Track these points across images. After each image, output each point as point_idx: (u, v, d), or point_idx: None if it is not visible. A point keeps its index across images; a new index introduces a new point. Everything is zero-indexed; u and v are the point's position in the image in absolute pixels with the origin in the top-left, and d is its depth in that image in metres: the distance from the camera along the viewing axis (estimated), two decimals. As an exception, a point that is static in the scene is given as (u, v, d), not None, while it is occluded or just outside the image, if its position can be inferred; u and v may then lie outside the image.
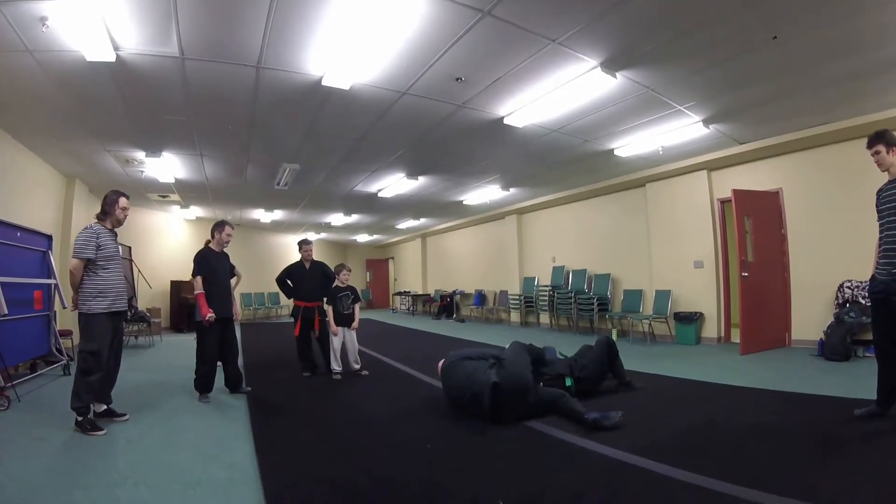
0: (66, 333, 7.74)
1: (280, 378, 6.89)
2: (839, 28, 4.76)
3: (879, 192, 4.18)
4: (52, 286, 7.23)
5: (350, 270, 7.24)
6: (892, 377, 4.02)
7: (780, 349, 8.05)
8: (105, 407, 4.74)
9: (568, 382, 5.23)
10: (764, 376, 6.06)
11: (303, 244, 7.33)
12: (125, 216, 4.86)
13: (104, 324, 4.55)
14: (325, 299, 7.10)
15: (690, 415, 4.61)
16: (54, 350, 7.14)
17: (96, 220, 4.75)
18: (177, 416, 4.93)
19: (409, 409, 5.13)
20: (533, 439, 4.04)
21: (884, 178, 4.17)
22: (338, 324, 6.86)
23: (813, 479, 2.97)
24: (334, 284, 7.11)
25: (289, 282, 7.30)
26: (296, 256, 7.49)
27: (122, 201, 4.81)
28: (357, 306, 7.10)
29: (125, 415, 4.77)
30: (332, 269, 7.30)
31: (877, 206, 4.21)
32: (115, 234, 4.87)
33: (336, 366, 6.83)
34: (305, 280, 7.22)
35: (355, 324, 7.02)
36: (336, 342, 6.85)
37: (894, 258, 3.94)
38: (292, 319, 7.27)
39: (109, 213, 4.76)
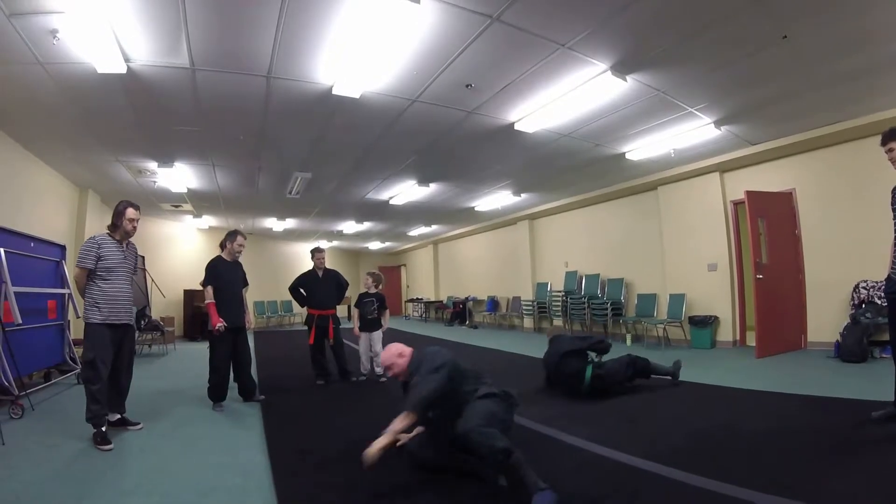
0: (79, 342, 7.72)
1: (294, 386, 6.88)
2: (850, 24, 4.72)
3: (894, 191, 4.13)
4: (66, 296, 7.28)
5: (371, 277, 7.41)
6: (910, 378, 3.97)
7: (796, 352, 7.97)
8: (119, 416, 4.70)
9: (588, 372, 5.40)
10: (780, 379, 6.00)
11: (315, 252, 7.35)
12: (133, 227, 4.76)
13: (102, 334, 4.46)
14: (353, 303, 7.27)
15: (706, 419, 4.57)
16: (68, 359, 7.19)
17: (107, 232, 4.71)
18: (190, 425, 4.94)
19: (422, 416, 5.11)
20: (547, 445, 4.03)
21: (899, 177, 4.12)
22: (361, 328, 7.15)
23: (831, 484, 2.93)
24: (363, 290, 7.33)
25: (302, 290, 7.31)
26: (308, 265, 7.51)
27: (130, 212, 4.71)
28: (386, 312, 7.35)
29: (139, 424, 4.74)
30: (345, 278, 7.43)
31: (892, 206, 4.16)
32: (127, 246, 4.83)
33: (363, 368, 7.22)
34: (318, 288, 7.23)
35: (384, 327, 7.29)
36: (362, 345, 7.21)
37: (910, 258, 3.89)
38: (306, 328, 7.26)
39: (118, 225, 4.69)
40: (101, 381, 4.37)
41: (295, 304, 8.22)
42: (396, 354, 3.88)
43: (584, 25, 4.67)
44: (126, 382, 4.82)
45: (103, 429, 4.28)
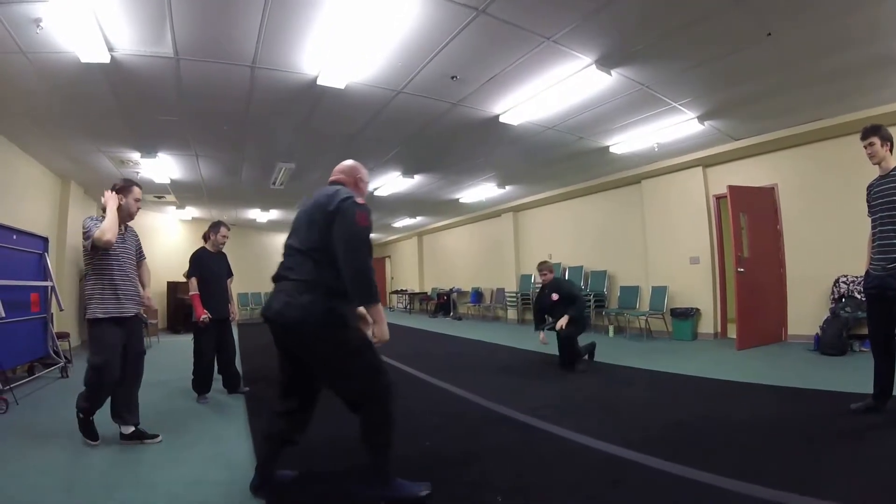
0: (63, 336, 7.72)
1: (278, 378, 6.85)
2: (834, 24, 4.77)
3: (870, 187, 4.20)
4: (49, 288, 7.21)
5: None
6: (887, 371, 4.04)
7: (776, 344, 8.08)
8: (133, 428, 4.11)
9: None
10: (760, 371, 6.08)
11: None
12: (138, 209, 4.32)
13: (110, 332, 3.93)
14: None
15: (687, 410, 4.63)
16: (52, 352, 7.12)
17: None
18: (175, 417, 4.92)
19: (407, 408, 5.11)
20: (528, 434, 4.06)
21: (876, 173, 4.18)
22: None
23: (808, 473, 2.99)
24: None
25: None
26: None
27: (137, 191, 4.25)
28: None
29: (157, 436, 4.16)
30: None
31: (868, 202, 4.23)
32: (126, 229, 4.37)
33: None
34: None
35: None
36: None
37: (888, 253, 3.95)
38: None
39: (121, 204, 4.14)
40: (105, 389, 3.96)
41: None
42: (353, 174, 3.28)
43: (569, 19, 4.68)
44: (132, 387, 4.24)
45: (91, 418, 4.04)
